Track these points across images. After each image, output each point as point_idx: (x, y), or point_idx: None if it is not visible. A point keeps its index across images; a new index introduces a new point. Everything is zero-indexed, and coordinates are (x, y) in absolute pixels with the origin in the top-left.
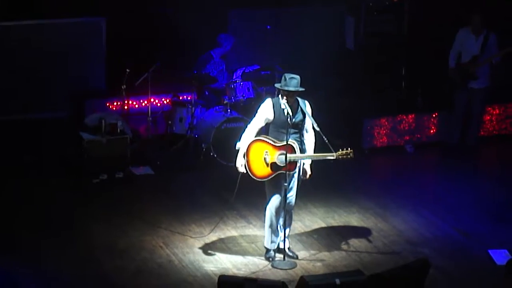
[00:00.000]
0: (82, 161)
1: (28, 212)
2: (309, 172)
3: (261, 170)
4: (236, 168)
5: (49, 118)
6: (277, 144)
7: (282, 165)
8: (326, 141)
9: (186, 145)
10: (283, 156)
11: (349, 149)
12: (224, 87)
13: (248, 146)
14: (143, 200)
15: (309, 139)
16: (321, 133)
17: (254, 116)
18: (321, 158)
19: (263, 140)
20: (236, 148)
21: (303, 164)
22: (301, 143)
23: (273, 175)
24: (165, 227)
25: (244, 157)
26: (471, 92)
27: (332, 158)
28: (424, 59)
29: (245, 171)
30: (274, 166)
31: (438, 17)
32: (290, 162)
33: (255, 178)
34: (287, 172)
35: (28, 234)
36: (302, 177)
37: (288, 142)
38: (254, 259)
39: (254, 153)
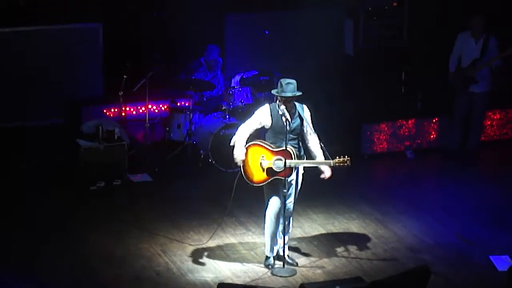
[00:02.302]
0: (79, 168)
1: (24, 219)
2: (329, 172)
3: (256, 174)
4: (235, 160)
5: (45, 125)
6: (274, 149)
7: (278, 170)
8: (323, 148)
9: (184, 152)
10: (280, 162)
11: (346, 157)
12: (222, 93)
13: (245, 149)
14: (141, 207)
15: (313, 142)
16: (318, 139)
17: (250, 117)
18: (318, 164)
19: (260, 144)
20: (231, 143)
21: (304, 170)
22: (299, 149)
23: (268, 180)
24: (163, 235)
25: (243, 147)
26: (471, 96)
27: (328, 165)
28: (423, 64)
29: (244, 158)
30: (270, 171)
31: (437, 22)
32: (285, 168)
33: (250, 183)
34: (286, 179)
35: (24, 241)
36: (323, 176)
37: (284, 148)
38: (253, 266)
39: (250, 157)
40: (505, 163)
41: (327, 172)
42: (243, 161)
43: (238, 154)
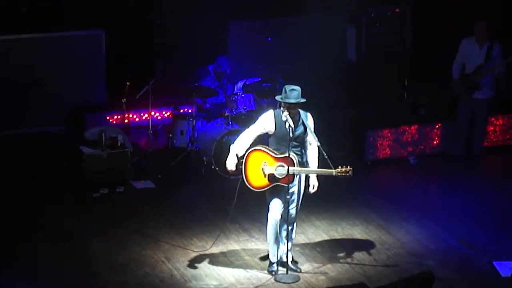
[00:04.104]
0: (82, 175)
1: (27, 226)
2: (316, 184)
3: (258, 180)
4: (226, 167)
5: (49, 132)
6: (276, 156)
7: (280, 177)
8: (326, 157)
9: (187, 158)
10: (282, 168)
11: (348, 167)
12: (225, 99)
13: (247, 154)
14: (144, 214)
15: (312, 151)
16: (320, 148)
17: (254, 123)
18: (320, 173)
19: (262, 150)
20: (230, 148)
21: (309, 177)
22: (302, 156)
23: (269, 187)
24: (167, 241)
25: (236, 157)
26: (475, 102)
27: (330, 175)
28: (427, 70)
29: (234, 169)
30: (271, 177)
31: (441, 28)
32: (287, 174)
33: (251, 188)
34: (288, 185)
35: (27, 248)
36: (308, 191)
37: (287, 155)
38: (256, 273)
39: (252, 162)
40: (508, 168)
41: (314, 187)
42: (244, 167)
43: (229, 163)
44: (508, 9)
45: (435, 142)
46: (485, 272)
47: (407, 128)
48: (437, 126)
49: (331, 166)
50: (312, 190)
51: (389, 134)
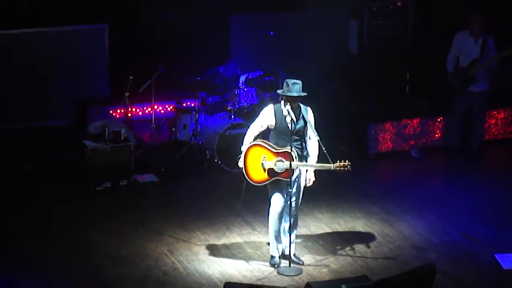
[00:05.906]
0: (85, 169)
1: (30, 219)
2: (313, 179)
3: (257, 174)
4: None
5: (52, 125)
6: (276, 150)
7: (279, 171)
8: (325, 151)
9: (190, 152)
10: (282, 163)
11: (346, 161)
12: (227, 94)
13: (247, 149)
14: (147, 207)
15: (312, 145)
16: (320, 143)
17: (256, 117)
18: (319, 168)
19: (262, 145)
20: (242, 150)
21: (307, 170)
22: (302, 150)
23: (269, 181)
24: (170, 234)
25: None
26: (471, 95)
27: (329, 169)
28: (428, 63)
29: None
30: (271, 172)
31: (443, 21)
32: (287, 169)
33: (251, 182)
34: (289, 178)
35: (31, 241)
36: (306, 183)
37: (287, 149)
38: (259, 265)
39: (252, 157)
40: (510, 161)
41: (310, 180)
42: (244, 162)
43: (241, 163)
44: (504, 2)
45: (437, 136)
46: (487, 265)
47: (409, 122)
48: (438, 120)
49: (330, 160)
50: (308, 183)
51: (391, 128)
